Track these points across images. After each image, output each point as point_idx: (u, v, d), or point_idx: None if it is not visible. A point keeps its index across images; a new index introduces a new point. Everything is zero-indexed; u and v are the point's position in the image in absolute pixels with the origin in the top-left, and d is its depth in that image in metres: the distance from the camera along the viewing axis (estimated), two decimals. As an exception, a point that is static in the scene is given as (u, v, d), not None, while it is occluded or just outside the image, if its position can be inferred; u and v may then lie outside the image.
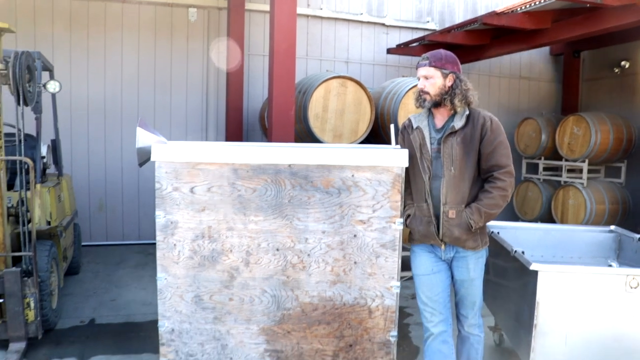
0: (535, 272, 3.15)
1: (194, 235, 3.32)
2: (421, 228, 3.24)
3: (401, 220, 3.20)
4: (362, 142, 6.45)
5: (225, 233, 3.30)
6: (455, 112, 3.18)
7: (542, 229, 4.64)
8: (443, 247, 3.22)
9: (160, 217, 3.32)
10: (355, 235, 3.25)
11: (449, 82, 3.18)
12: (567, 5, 6.94)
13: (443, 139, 3.17)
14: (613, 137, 8.77)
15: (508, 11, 7.27)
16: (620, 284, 3.11)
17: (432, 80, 3.19)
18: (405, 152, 3.17)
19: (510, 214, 10.09)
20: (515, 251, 3.53)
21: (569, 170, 9.30)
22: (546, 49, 11.05)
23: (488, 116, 3.19)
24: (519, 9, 7.20)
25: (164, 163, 3.30)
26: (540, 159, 9.71)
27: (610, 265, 3.87)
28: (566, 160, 9.19)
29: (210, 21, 9.24)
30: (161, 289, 3.38)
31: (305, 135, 6.44)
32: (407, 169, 3.20)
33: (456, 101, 3.14)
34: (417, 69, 3.28)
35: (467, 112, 3.17)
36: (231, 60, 8.80)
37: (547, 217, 9.36)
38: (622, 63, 9.89)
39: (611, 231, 4.58)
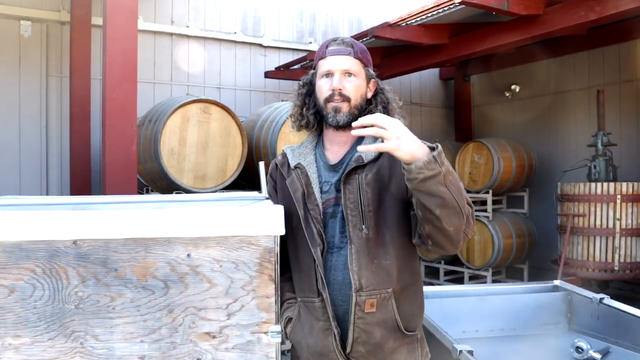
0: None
1: None
2: (311, 341, 1.89)
3: (277, 328, 1.82)
4: (232, 184, 5.04)
5: (-45, 372, 1.79)
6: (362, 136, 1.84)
7: (473, 294, 3.50)
8: None
9: None
10: (197, 362, 1.84)
11: (371, 90, 1.96)
12: (466, 16, 6.10)
13: (343, 179, 1.87)
14: (516, 164, 8.07)
15: (402, 23, 6.31)
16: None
17: (356, 80, 1.89)
18: (280, 209, 1.75)
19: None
20: (461, 352, 2.30)
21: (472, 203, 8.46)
22: (436, 73, 10.41)
23: None
24: (413, 21, 6.25)
25: None
26: (440, 191, 8.77)
27: (578, 347, 2.76)
28: (468, 191, 8.35)
29: (50, 37, 7.56)
30: None
31: (159, 177, 4.92)
32: (282, 238, 1.83)
33: None
34: (323, 58, 1.92)
35: (380, 136, 1.89)
36: (75, 85, 7.14)
37: (452, 256, 8.41)
38: (513, 87, 9.48)
39: (556, 288, 3.55)
